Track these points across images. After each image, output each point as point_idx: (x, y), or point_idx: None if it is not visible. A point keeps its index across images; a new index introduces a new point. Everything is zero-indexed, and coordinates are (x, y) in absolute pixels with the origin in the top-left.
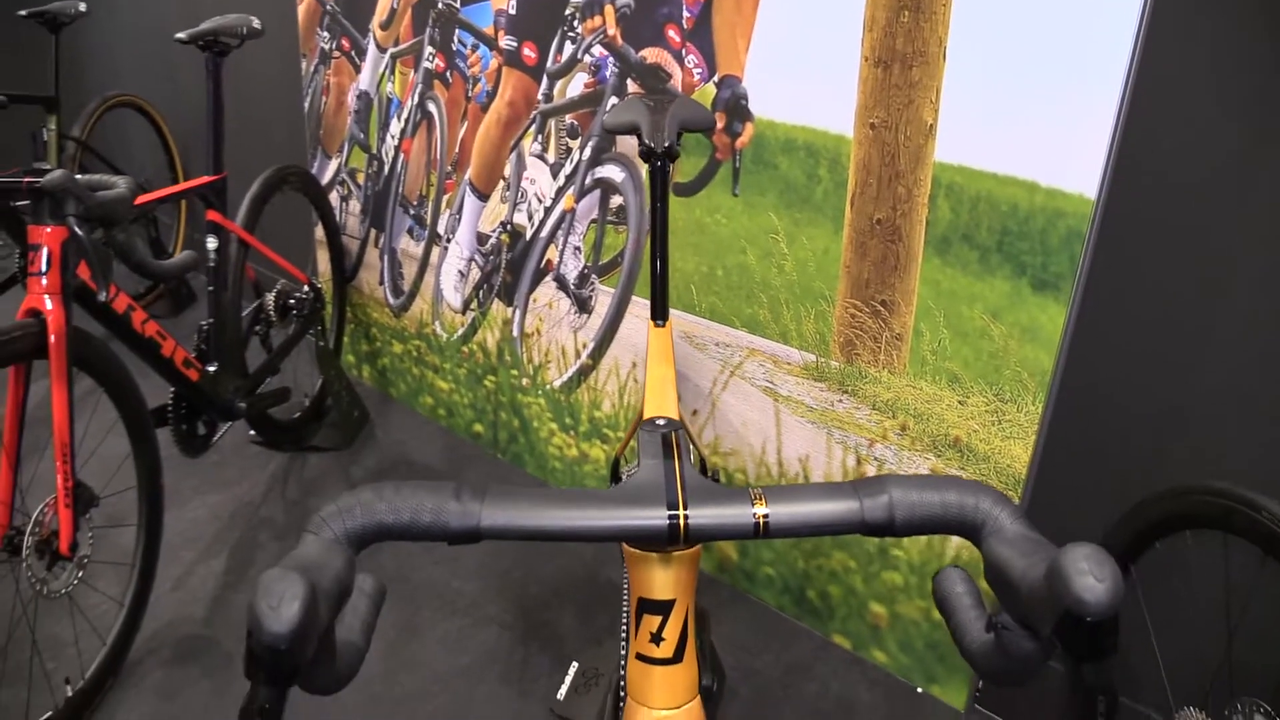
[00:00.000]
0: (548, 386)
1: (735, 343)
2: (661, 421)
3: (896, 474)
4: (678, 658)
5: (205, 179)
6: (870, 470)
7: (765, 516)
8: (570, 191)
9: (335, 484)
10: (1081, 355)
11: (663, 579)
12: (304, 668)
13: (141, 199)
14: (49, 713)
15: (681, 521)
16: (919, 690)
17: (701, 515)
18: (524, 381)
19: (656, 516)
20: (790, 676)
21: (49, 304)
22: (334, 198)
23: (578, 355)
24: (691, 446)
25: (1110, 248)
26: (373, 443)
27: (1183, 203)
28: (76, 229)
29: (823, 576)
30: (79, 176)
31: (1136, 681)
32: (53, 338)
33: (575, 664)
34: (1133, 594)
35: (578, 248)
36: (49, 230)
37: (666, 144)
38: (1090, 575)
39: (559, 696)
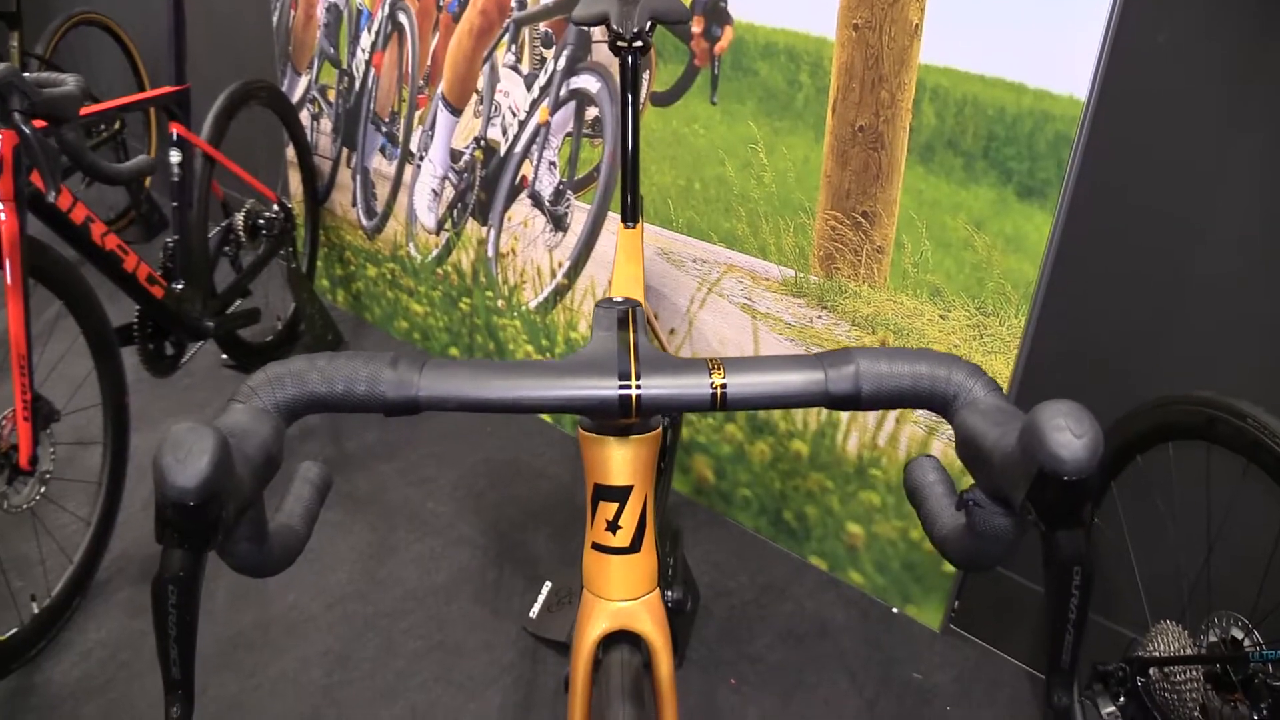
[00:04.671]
0: (523, 308)
1: (713, 259)
2: (619, 300)
3: (865, 345)
4: (635, 547)
5: (166, 89)
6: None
7: (723, 387)
8: (545, 104)
9: None
10: (1067, 266)
11: (619, 463)
12: (220, 533)
13: (100, 106)
14: (15, 629)
15: (634, 392)
16: (895, 611)
17: (655, 386)
18: (499, 303)
19: (607, 387)
20: (766, 597)
21: (0, 211)
22: (305, 116)
23: (553, 275)
24: (653, 334)
25: (1099, 152)
26: None
27: (1177, 103)
28: (24, 128)
29: (799, 497)
30: (26, 75)
31: (1112, 599)
32: (5, 244)
33: (548, 584)
34: (1113, 510)
35: (553, 162)
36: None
37: (635, 30)
38: (1068, 431)
39: (531, 615)
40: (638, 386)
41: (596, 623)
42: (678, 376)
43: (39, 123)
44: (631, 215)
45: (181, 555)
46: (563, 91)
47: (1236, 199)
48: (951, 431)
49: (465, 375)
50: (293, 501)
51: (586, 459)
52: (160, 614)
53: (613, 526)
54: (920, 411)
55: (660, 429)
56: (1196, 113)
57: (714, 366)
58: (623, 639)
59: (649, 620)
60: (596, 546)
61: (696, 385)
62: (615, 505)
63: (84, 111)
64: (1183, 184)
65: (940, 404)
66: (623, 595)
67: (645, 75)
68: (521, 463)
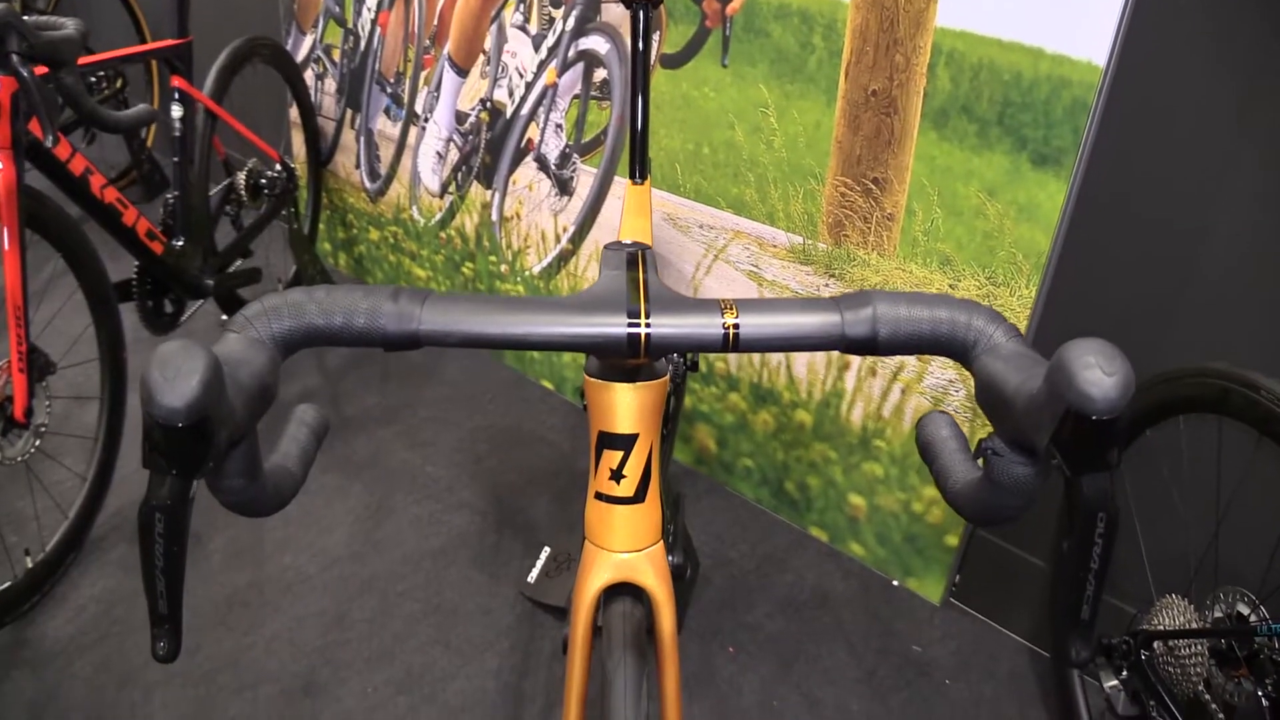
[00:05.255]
0: (527, 273)
1: (720, 225)
2: (628, 242)
3: (882, 289)
4: (639, 497)
5: (168, 41)
6: (854, 361)
7: (735, 327)
8: (553, 65)
9: (308, 371)
10: (1080, 235)
11: (625, 410)
12: (210, 460)
13: (100, 56)
14: (8, 583)
15: (643, 330)
16: (895, 583)
17: (665, 324)
18: (503, 268)
19: (615, 324)
20: (765, 567)
21: None
22: (309, 76)
23: (558, 239)
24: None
25: (1117, 119)
26: None
27: (1198, 71)
28: (22, 71)
29: (802, 468)
30: (25, 17)
31: (1116, 573)
32: (2, 193)
33: (547, 549)
34: (1120, 485)
35: (559, 125)
36: None
37: None
38: (1098, 369)
39: (530, 579)
40: (647, 325)
41: (598, 574)
42: (689, 315)
43: (38, 69)
44: (641, 172)
45: (169, 482)
46: (571, 52)
47: (1256, 170)
48: (957, 403)
49: (468, 310)
50: (288, 443)
51: (592, 405)
52: (147, 543)
53: (617, 475)
54: (927, 381)
55: (668, 376)
56: (1219, 80)
57: (726, 306)
58: (624, 592)
59: (652, 573)
60: (600, 496)
61: (708, 324)
62: (620, 453)
63: (83, 61)
64: (1202, 154)
65: (960, 350)
66: (625, 546)
67: (655, 36)
68: (522, 429)
